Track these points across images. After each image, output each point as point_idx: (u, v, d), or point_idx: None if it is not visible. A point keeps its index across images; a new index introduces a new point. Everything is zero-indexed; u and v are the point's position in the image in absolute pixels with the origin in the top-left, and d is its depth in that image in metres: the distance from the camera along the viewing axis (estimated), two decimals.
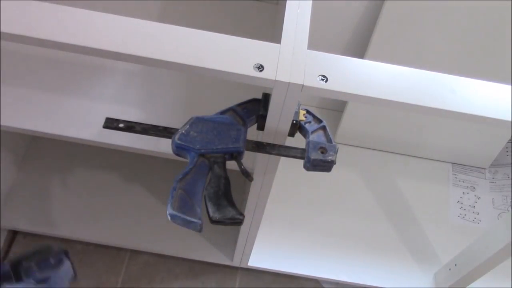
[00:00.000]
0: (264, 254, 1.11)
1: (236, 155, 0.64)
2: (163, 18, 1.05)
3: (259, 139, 0.67)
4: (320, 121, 0.68)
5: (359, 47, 1.11)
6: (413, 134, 1.24)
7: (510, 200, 1.26)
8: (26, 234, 1.20)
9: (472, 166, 1.31)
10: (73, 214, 1.16)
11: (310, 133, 0.67)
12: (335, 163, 0.64)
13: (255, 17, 1.09)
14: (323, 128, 0.67)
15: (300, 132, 0.68)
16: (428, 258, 1.13)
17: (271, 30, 1.06)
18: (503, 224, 0.85)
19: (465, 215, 1.23)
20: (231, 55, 0.59)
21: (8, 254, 1.18)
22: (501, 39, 1.01)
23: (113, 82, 0.95)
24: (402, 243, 1.15)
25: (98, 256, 1.19)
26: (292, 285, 1.17)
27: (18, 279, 0.77)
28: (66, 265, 0.82)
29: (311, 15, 0.64)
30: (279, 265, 1.10)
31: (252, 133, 0.68)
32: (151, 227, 1.15)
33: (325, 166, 0.64)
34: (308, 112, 0.68)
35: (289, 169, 0.83)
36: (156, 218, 1.16)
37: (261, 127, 0.68)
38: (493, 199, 1.26)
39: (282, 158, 0.69)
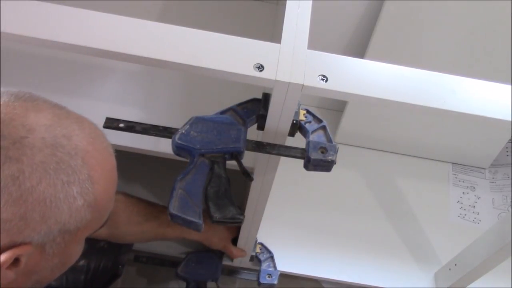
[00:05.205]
0: None
1: (236, 155, 0.64)
2: (163, 18, 1.05)
3: (259, 139, 0.67)
4: (320, 121, 0.68)
5: (359, 47, 1.11)
6: (413, 134, 1.24)
7: (510, 200, 1.26)
8: None
9: (472, 166, 1.31)
10: None
11: (310, 133, 0.66)
12: (335, 163, 0.64)
13: (255, 17, 1.09)
14: (323, 128, 0.67)
15: (300, 132, 0.68)
16: (428, 258, 1.13)
17: (271, 30, 1.06)
18: (503, 224, 0.85)
19: (465, 215, 1.22)
20: (231, 55, 0.59)
21: None
22: (501, 39, 1.01)
23: (113, 82, 0.95)
24: (402, 243, 1.15)
25: None
26: (292, 285, 1.17)
27: None
28: None
29: (311, 15, 0.64)
30: (279, 265, 1.09)
31: (252, 133, 0.68)
32: None
33: (325, 166, 0.64)
34: (308, 112, 0.68)
35: (289, 169, 0.82)
36: None
37: (261, 127, 0.67)
38: (493, 199, 1.26)
39: (282, 158, 0.69)
